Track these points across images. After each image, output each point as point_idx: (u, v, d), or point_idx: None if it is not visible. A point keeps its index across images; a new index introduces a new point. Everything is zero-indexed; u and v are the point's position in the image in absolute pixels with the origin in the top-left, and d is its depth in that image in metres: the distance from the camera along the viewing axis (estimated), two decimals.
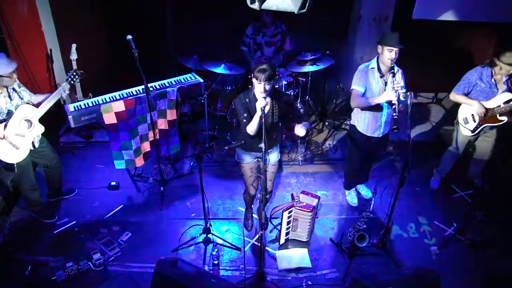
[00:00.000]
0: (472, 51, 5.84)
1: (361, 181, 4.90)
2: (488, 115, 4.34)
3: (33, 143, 4.09)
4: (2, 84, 3.80)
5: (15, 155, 3.95)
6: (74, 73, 4.14)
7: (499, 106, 4.26)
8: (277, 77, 5.43)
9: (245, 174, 4.08)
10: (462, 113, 4.56)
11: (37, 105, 4.02)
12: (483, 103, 4.32)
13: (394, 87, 3.74)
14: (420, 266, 4.09)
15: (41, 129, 4.09)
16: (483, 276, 4.04)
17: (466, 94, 4.43)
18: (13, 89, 3.92)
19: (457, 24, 5.92)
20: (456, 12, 5.85)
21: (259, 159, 4.00)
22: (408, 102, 3.64)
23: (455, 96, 4.48)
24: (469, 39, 5.80)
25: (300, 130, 3.61)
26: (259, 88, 3.43)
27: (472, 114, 4.44)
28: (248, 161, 3.98)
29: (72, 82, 4.12)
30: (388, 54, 3.82)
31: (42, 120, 4.02)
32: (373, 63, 4.01)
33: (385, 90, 3.91)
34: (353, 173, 4.73)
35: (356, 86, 4.04)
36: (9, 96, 3.87)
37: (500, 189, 4.97)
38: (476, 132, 4.47)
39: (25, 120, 3.91)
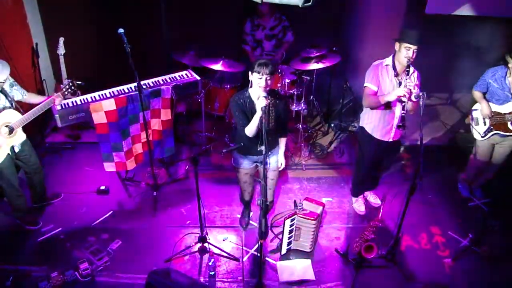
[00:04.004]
0: (491, 49, 5.83)
1: (369, 188, 4.90)
2: (497, 120, 4.36)
3: (13, 147, 4.09)
4: None
5: None
6: (71, 84, 4.12)
7: (510, 113, 4.27)
8: (280, 74, 5.44)
9: (240, 180, 4.14)
10: (474, 113, 4.61)
11: (26, 106, 4.05)
12: (493, 106, 4.36)
13: (406, 85, 3.75)
14: (433, 280, 4.12)
15: (22, 137, 4.11)
16: None
17: (484, 93, 4.47)
18: (1, 91, 3.92)
19: (474, 19, 5.91)
20: (473, 6, 5.82)
21: (257, 165, 4.04)
22: (421, 103, 3.63)
23: (473, 92, 4.57)
24: (488, 36, 5.78)
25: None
26: (260, 83, 3.50)
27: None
28: (245, 166, 4.02)
29: (66, 93, 4.11)
30: (406, 52, 3.81)
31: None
32: (388, 60, 4.02)
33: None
34: (361, 180, 4.74)
35: (369, 84, 4.05)
36: None
37: None
38: (487, 136, 4.49)
39: (6, 126, 3.91)
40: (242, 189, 4.25)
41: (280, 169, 4.08)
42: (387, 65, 4.01)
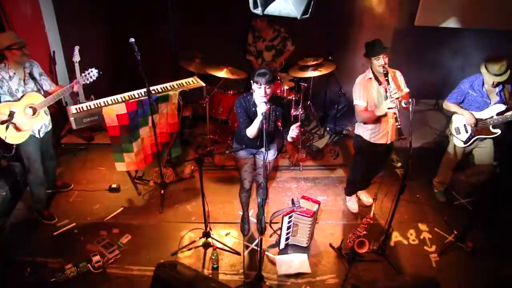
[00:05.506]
0: (474, 59, 5.84)
1: (362, 188, 4.89)
2: (480, 126, 4.30)
3: (39, 131, 4.15)
4: (16, 60, 3.81)
5: (15, 136, 3.98)
6: (91, 71, 4.06)
7: (492, 117, 4.22)
8: (279, 82, 5.43)
9: (241, 169, 4.10)
10: (454, 123, 4.53)
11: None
12: (475, 113, 4.30)
13: (391, 95, 3.73)
14: (420, 273, 4.10)
15: (44, 119, 4.13)
16: (484, 284, 4.02)
17: (460, 103, 4.40)
18: (30, 74, 3.95)
19: (459, 31, 5.93)
20: (458, 20, 5.88)
21: (255, 155, 4.05)
22: (410, 109, 3.61)
23: (447, 105, 4.47)
24: (471, 47, 5.80)
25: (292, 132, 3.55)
26: (260, 92, 3.47)
27: (465, 125, 4.42)
28: (243, 155, 4.01)
29: (87, 81, 4.06)
30: (377, 62, 3.82)
31: None
32: (370, 74, 3.99)
33: (387, 97, 3.87)
34: (356, 182, 4.72)
35: (358, 101, 4.01)
36: (24, 80, 3.90)
37: (501, 194, 4.94)
38: (469, 143, 4.42)
39: (30, 107, 3.94)
40: (242, 179, 4.16)
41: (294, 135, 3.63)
42: (369, 78, 3.98)
